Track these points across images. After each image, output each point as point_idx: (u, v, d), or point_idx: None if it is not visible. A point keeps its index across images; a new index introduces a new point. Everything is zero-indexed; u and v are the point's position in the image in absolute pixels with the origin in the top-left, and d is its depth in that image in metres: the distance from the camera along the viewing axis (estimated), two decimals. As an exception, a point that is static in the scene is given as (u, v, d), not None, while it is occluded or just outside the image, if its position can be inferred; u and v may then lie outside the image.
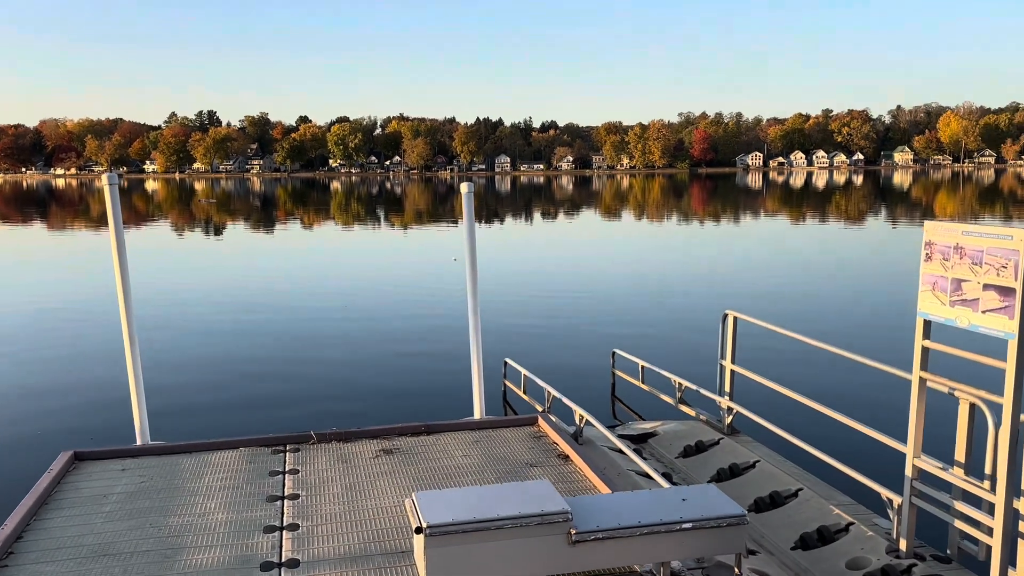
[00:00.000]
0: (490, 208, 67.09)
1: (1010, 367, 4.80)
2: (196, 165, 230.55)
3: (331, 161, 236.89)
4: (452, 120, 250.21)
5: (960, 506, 5.38)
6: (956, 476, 5.43)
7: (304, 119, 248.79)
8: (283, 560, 5.02)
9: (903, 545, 5.79)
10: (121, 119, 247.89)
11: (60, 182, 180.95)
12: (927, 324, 5.50)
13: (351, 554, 5.09)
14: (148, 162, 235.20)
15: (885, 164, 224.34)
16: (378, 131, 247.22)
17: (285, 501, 5.89)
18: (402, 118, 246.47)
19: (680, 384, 9.42)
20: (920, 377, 5.56)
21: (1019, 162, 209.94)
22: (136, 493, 6.10)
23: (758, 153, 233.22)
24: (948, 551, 5.72)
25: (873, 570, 5.68)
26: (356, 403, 11.81)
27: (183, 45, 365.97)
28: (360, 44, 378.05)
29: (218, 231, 47.26)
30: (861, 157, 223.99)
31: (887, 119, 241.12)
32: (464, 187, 7.94)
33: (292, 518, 5.61)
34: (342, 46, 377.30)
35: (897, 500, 5.84)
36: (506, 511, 4.45)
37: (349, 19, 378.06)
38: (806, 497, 6.88)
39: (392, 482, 6.22)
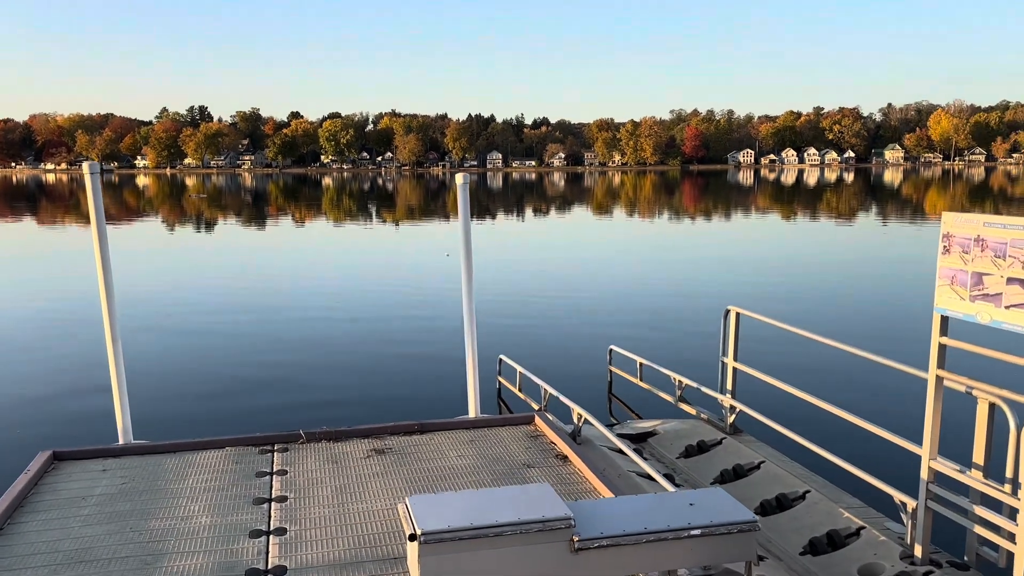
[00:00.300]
0: (482, 204, 66.84)
1: None
2: (187, 160, 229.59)
3: (323, 157, 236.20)
4: (444, 116, 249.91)
5: (979, 510, 5.15)
6: (974, 479, 5.21)
7: (296, 115, 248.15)
8: (269, 567, 4.78)
9: (918, 551, 5.56)
10: (112, 114, 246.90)
11: (50, 177, 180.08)
12: (944, 320, 5.27)
13: (341, 561, 4.84)
14: (139, 157, 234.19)
15: (876, 162, 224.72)
16: (370, 127, 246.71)
17: (272, 504, 5.65)
18: (394, 114, 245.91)
19: (680, 382, 9.17)
20: (937, 375, 5.32)
21: (1009, 160, 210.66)
22: (116, 495, 5.84)
23: (749, 150, 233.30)
24: (965, 557, 5.49)
25: None
26: (346, 401, 11.56)
27: (174, 40, 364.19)
28: (352, 40, 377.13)
29: (208, 227, 46.90)
30: (852, 155, 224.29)
31: (878, 117, 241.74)
32: (459, 178, 7.69)
33: (279, 522, 5.36)
34: (334, 42, 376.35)
35: (911, 503, 5.60)
36: (505, 517, 4.20)
37: (341, 15, 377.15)
38: (814, 500, 6.64)
39: (384, 483, 5.98)
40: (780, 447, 7.79)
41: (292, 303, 19.89)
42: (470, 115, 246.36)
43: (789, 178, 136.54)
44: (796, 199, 71.74)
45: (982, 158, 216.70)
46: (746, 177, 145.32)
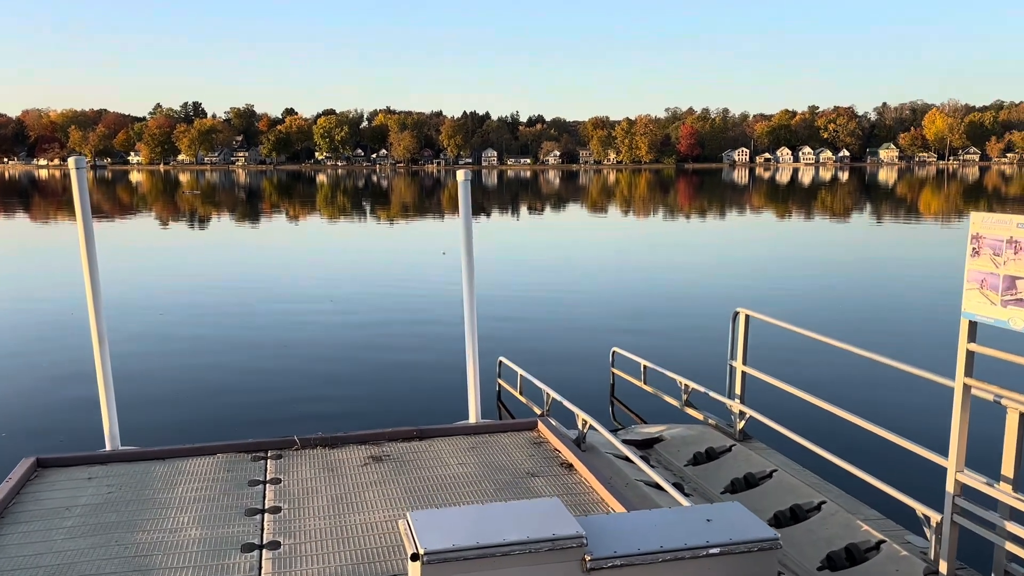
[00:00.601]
0: (477, 202, 66.59)
1: None
2: (181, 157, 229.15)
3: (317, 154, 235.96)
4: (439, 113, 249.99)
5: (1009, 526, 4.91)
6: (1004, 492, 4.96)
7: (290, 111, 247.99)
8: None
9: (943, 567, 5.31)
10: (105, 110, 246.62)
11: (43, 173, 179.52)
12: (972, 325, 5.02)
13: None
14: (133, 153, 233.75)
15: (871, 161, 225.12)
16: (364, 124, 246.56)
17: (265, 515, 5.39)
18: (389, 111, 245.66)
19: (686, 385, 8.92)
20: (964, 383, 5.07)
21: (1003, 160, 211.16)
22: (102, 505, 5.58)
23: (744, 149, 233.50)
24: (993, 574, 5.25)
25: None
26: (342, 405, 11.27)
27: (168, 36, 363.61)
28: (347, 36, 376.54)
29: (201, 224, 46.58)
30: (847, 154, 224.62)
31: (873, 116, 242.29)
32: (460, 175, 7.45)
33: (273, 535, 5.10)
34: (329, 38, 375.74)
35: (935, 517, 5.36)
36: (513, 535, 3.95)
37: (336, 11, 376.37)
38: (830, 511, 6.39)
39: (382, 493, 5.72)
40: (791, 455, 7.54)
41: (286, 303, 19.61)
42: (465, 112, 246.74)
43: (784, 177, 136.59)
44: (793, 198, 71.64)
45: (976, 158, 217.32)
46: (741, 176, 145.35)
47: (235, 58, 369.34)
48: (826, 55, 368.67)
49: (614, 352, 11.09)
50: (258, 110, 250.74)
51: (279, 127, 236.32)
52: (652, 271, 25.21)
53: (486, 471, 6.16)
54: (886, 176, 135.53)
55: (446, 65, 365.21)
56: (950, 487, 5.19)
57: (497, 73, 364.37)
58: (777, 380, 7.65)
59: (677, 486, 6.95)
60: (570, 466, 6.27)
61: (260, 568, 4.70)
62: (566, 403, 7.83)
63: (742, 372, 8.23)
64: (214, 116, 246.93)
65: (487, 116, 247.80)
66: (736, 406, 8.14)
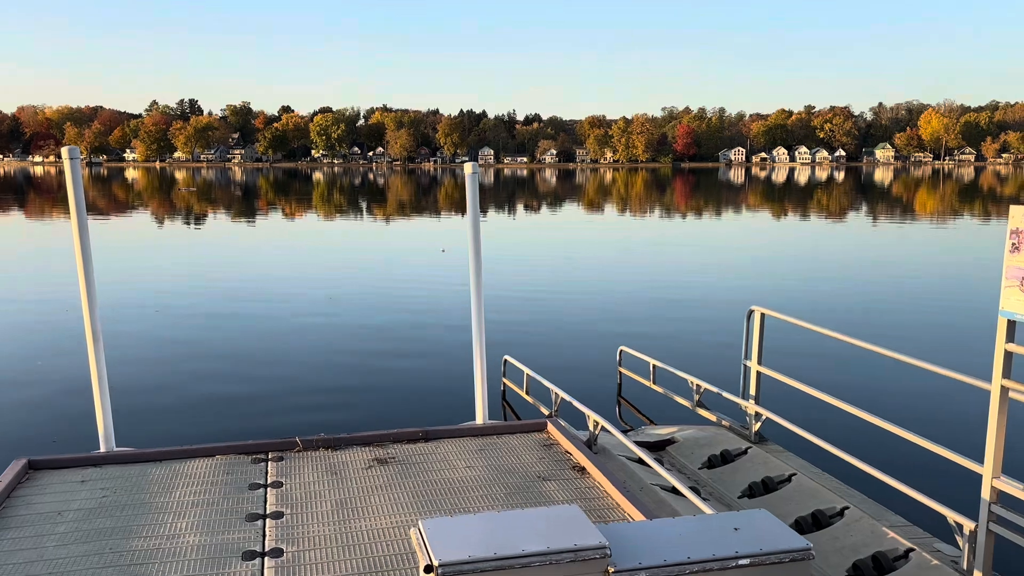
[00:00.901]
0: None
1: None
2: (177, 154, 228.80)
3: (313, 151, 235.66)
4: (436, 112, 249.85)
5: None
6: None
7: (287, 109, 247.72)
8: None
9: (978, 577, 5.09)
10: (101, 107, 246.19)
11: (39, 169, 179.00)
12: (1012, 325, 4.78)
13: None
14: (128, 150, 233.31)
15: (867, 160, 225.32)
16: (361, 122, 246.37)
17: (267, 521, 5.14)
18: (385, 109, 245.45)
19: (698, 386, 8.68)
20: (1002, 386, 4.84)
21: (998, 160, 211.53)
22: (96, 510, 5.33)
23: (741, 148, 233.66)
24: None
25: None
26: (346, 405, 11.02)
27: (164, 32, 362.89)
28: (343, 34, 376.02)
29: (197, 221, 46.32)
30: (843, 153, 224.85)
31: (869, 116, 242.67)
32: (468, 167, 7.22)
33: (275, 542, 4.86)
34: (325, 36, 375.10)
35: (969, 525, 5.12)
36: (532, 545, 3.71)
37: (333, 9, 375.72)
38: (854, 517, 6.15)
39: (388, 498, 5.48)
40: (809, 458, 7.30)
41: (286, 301, 19.35)
42: (462, 111, 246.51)
43: (780, 176, 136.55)
44: (791, 197, 71.50)
45: (972, 158, 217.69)
46: (737, 175, 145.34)
47: (232, 56, 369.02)
48: (822, 55, 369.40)
49: (621, 351, 10.86)
50: (254, 107, 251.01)
51: (275, 125, 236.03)
52: (656, 270, 24.96)
53: (495, 474, 5.92)
54: (882, 176, 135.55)
55: (443, 63, 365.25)
56: (986, 494, 4.96)
57: (494, 72, 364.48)
58: (794, 380, 7.41)
59: (694, 490, 6.72)
60: (582, 469, 6.04)
61: None
62: (576, 403, 7.60)
63: (757, 372, 7.99)
64: (210, 113, 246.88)
65: (484, 114, 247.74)
66: (751, 407, 7.90)
